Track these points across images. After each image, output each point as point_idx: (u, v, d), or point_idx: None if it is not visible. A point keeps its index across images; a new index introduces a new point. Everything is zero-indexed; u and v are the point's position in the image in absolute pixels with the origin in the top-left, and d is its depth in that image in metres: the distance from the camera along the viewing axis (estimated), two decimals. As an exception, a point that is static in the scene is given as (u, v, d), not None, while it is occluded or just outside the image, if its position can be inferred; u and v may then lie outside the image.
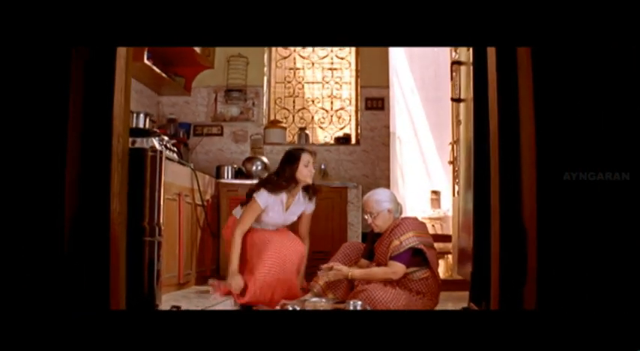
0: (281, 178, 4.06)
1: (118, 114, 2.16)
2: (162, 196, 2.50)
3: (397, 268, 3.89)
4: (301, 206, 4.20)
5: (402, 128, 8.34)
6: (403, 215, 4.21)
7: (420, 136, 8.69)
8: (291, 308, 3.34)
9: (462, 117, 3.08)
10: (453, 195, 6.91)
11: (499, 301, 2.00)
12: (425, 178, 8.57)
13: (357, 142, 6.27)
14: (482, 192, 2.33)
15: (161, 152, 2.53)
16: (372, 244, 4.23)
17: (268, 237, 3.99)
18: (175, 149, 4.72)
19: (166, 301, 3.71)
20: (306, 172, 4.12)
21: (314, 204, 4.28)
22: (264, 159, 5.79)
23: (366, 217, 4.15)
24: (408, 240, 3.92)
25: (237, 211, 4.14)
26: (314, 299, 3.92)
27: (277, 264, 3.95)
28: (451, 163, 7.12)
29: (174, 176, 4.37)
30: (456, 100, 3.13)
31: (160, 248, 2.45)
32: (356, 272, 3.95)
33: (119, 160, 2.16)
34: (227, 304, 3.86)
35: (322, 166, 6.04)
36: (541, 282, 1.79)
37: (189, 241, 4.63)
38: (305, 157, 4.14)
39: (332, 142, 6.36)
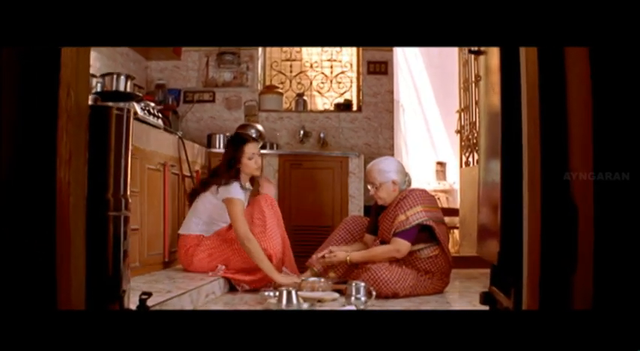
0: (230, 174, 3.78)
1: (69, 59, 1.75)
2: (130, 162, 2.10)
3: (401, 246, 3.53)
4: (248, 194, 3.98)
5: (405, 96, 7.94)
6: (412, 187, 3.83)
7: (423, 104, 8.30)
8: (286, 292, 2.97)
9: (482, 72, 2.67)
10: (461, 166, 6.56)
11: (540, 291, 1.61)
12: (429, 149, 8.19)
13: (359, 108, 5.87)
14: (514, 162, 1.94)
15: (129, 111, 2.12)
16: (377, 218, 3.86)
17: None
18: (160, 115, 4.31)
19: (148, 281, 3.35)
20: (252, 165, 3.80)
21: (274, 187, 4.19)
22: (259, 127, 5.40)
23: (369, 187, 3.79)
24: (415, 215, 3.56)
25: (188, 227, 3.87)
26: (312, 279, 3.56)
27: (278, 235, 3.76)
28: (458, 132, 6.76)
29: (159, 144, 3.98)
30: (475, 53, 2.70)
31: (127, 224, 2.06)
32: (355, 255, 3.59)
33: (70, 117, 1.75)
34: (214, 286, 3.49)
35: (321, 135, 5.69)
36: (598, 270, 1.40)
37: (176, 215, 4.25)
38: (249, 150, 3.81)
39: (332, 108, 5.97)
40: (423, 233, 3.60)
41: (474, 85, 6.09)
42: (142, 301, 2.06)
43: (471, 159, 6.23)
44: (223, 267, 3.67)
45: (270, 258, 3.55)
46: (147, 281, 3.36)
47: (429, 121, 8.20)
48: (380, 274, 3.47)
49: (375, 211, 3.89)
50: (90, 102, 2.65)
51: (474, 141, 6.14)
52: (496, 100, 2.36)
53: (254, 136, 4.82)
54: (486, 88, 2.66)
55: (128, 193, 2.10)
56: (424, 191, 3.75)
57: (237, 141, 3.86)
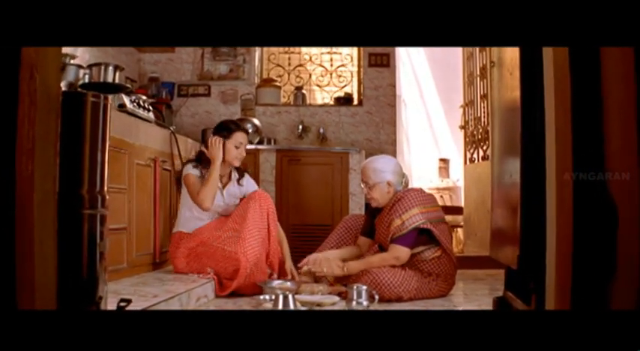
0: (204, 156, 3.65)
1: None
2: (107, 156, 1.88)
3: (400, 253, 3.32)
4: (237, 188, 3.78)
5: (407, 91, 7.74)
6: (407, 188, 3.62)
7: (426, 98, 8.11)
8: (282, 295, 2.76)
9: (495, 58, 2.46)
10: (465, 163, 6.36)
11: (572, 297, 1.41)
12: (432, 145, 7.98)
13: (360, 102, 5.66)
14: (536, 160, 1.74)
15: (106, 98, 1.90)
16: (373, 220, 3.65)
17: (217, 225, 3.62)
18: (151, 109, 4.10)
19: (135, 284, 3.14)
20: (235, 153, 3.63)
21: (253, 183, 3.91)
22: (256, 121, 5.19)
23: (362, 185, 3.58)
24: (411, 219, 3.34)
25: (176, 223, 3.73)
26: (310, 284, 3.35)
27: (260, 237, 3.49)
28: (462, 127, 6.56)
29: (149, 139, 3.77)
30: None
31: (104, 223, 1.85)
32: (352, 266, 3.37)
33: (33, 103, 1.54)
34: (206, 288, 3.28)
35: (320, 130, 5.49)
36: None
37: (168, 213, 4.03)
38: (238, 137, 3.65)
39: (331, 102, 5.75)
40: (422, 236, 3.40)
41: (478, 78, 5.89)
42: (120, 309, 1.85)
43: (475, 155, 6.04)
44: (213, 270, 3.46)
45: (237, 262, 3.32)
46: (134, 283, 3.15)
47: (432, 117, 8.01)
48: (382, 277, 3.26)
49: (370, 212, 3.68)
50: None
51: (479, 137, 5.95)
52: (510, 94, 2.16)
53: (249, 130, 4.63)
54: (499, 82, 2.45)
55: (105, 189, 1.89)
56: (420, 191, 3.54)
57: (230, 126, 3.69)
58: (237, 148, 3.64)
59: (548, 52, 1.73)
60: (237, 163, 3.71)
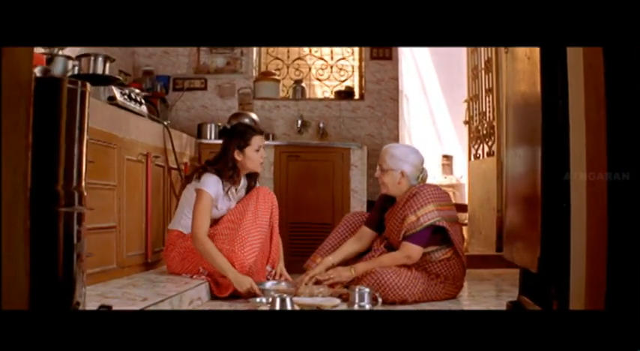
0: (226, 167, 3.37)
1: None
2: (85, 148, 1.71)
3: (412, 252, 3.15)
4: (245, 190, 3.56)
5: (409, 85, 7.57)
6: (423, 183, 3.44)
7: (428, 93, 7.93)
8: (279, 299, 2.59)
9: (507, 58, 2.29)
10: (469, 159, 6.19)
11: (606, 304, 1.24)
12: (435, 141, 7.80)
13: (361, 96, 5.48)
14: (558, 156, 1.57)
15: (84, 84, 1.73)
16: (382, 213, 3.48)
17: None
18: (143, 102, 3.93)
19: (125, 285, 2.97)
20: (257, 158, 3.41)
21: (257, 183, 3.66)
22: (254, 116, 5.02)
23: (377, 168, 3.42)
24: (426, 215, 3.17)
25: (174, 221, 3.51)
26: (309, 285, 3.18)
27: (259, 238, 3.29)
28: (467, 122, 6.38)
29: (140, 133, 3.59)
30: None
31: (82, 222, 1.68)
32: (360, 268, 3.19)
33: (-3, 86, 1.37)
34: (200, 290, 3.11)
35: (321, 125, 5.31)
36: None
37: (161, 210, 3.86)
38: (256, 141, 3.41)
39: (332, 96, 5.58)
40: (436, 235, 3.22)
41: (483, 72, 5.72)
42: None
43: (480, 151, 5.87)
44: (206, 271, 3.29)
45: (232, 261, 3.14)
46: (123, 285, 2.98)
47: (435, 112, 7.83)
48: (386, 278, 3.09)
49: (380, 204, 3.50)
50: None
51: (484, 132, 5.78)
52: (527, 83, 1.99)
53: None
54: (513, 71, 2.28)
55: (84, 184, 1.72)
56: (437, 188, 3.37)
57: (245, 130, 3.46)
58: (257, 151, 3.44)
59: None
60: (260, 168, 3.53)
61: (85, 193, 1.71)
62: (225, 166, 3.37)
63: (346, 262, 3.33)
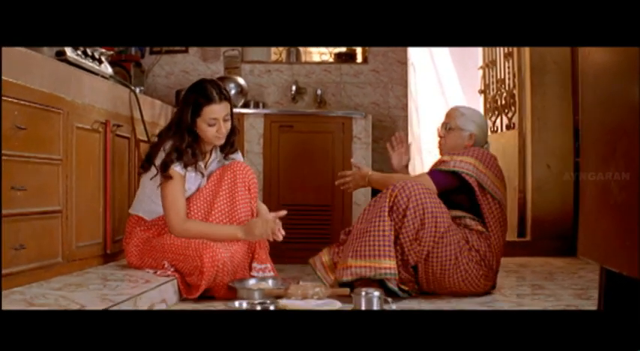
0: (181, 139, 2.73)
1: None
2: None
3: (424, 182, 2.77)
4: (218, 163, 2.92)
5: (416, 52, 6.95)
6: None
7: (436, 61, 7.32)
8: (259, 307, 1.97)
9: None
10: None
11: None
12: (444, 113, 7.18)
13: (364, 60, 4.87)
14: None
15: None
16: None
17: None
18: (103, 59, 3.27)
19: (68, 285, 2.36)
20: (212, 133, 2.72)
21: (239, 154, 3.01)
22: (241, 81, 4.38)
23: (438, 128, 3.07)
24: (461, 163, 2.80)
25: (134, 205, 2.91)
26: (302, 284, 2.55)
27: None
28: (482, 92, 5.74)
29: (97, 97, 2.95)
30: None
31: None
32: (375, 176, 2.98)
33: None
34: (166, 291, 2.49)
35: (318, 92, 4.72)
36: None
37: (125, 191, 3.23)
38: (209, 112, 2.70)
39: (331, 60, 5.00)
40: (461, 195, 2.84)
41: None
42: None
43: (498, 123, 5.25)
44: (172, 266, 2.66)
45: (200, 258, 2.53)
46: (65, 285, 2.37)
47: (443, 82, 7.21)
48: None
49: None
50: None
51: (503, 102, 5.16)
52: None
53: (231, 92, 3.81)
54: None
55: None
56: (496, 160, 2.94)
57: (197, 95, 2.74)
58: (210, 125, 2.75)
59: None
60: (218, 142, 2.83)
61: None
62: (180, 139, 2.71)
63: None
